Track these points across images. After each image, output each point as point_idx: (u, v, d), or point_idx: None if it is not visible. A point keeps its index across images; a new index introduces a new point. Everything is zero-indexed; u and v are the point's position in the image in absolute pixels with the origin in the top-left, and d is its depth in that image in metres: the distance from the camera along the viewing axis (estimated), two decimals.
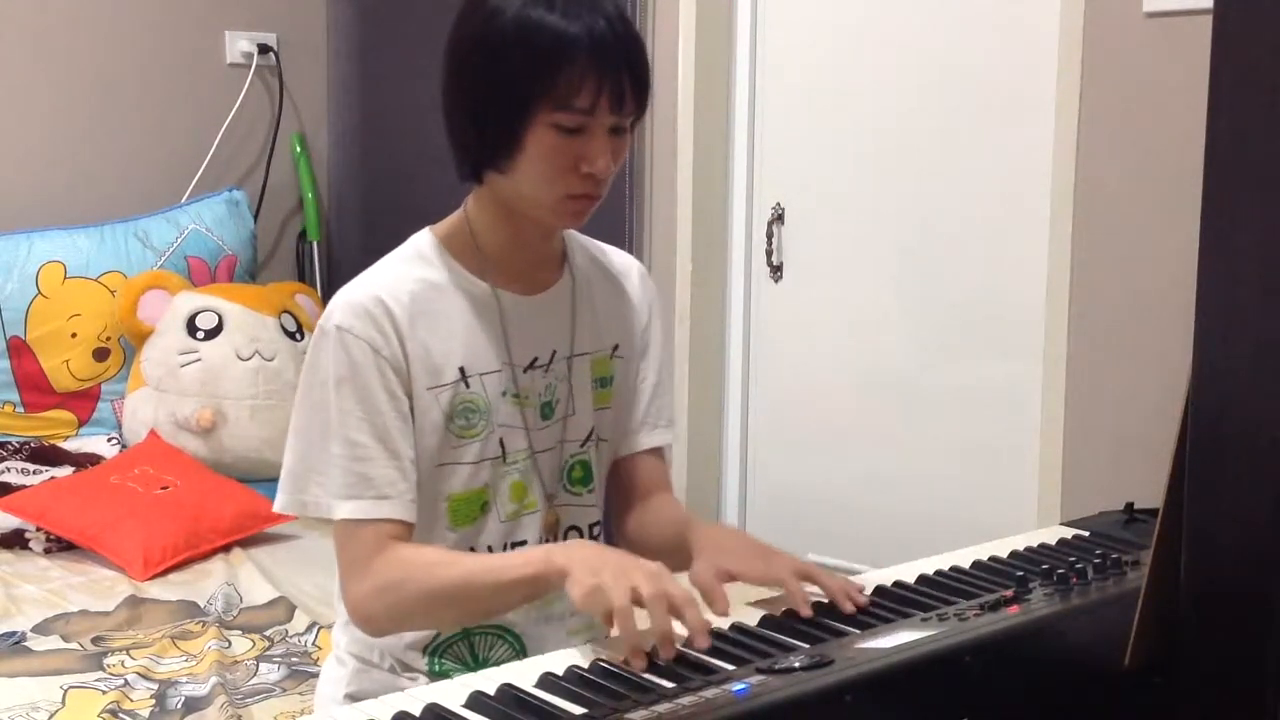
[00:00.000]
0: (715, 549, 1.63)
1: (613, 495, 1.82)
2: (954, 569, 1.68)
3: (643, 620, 1.38)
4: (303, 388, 1.62)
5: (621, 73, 1.54)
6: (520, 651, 1.67)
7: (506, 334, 1.66)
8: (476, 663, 1.67)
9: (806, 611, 1.50)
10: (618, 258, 1.82)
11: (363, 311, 1.58)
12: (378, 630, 1.63)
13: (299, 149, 4.18)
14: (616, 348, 1.77)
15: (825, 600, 1.55)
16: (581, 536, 1.74)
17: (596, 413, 1.75)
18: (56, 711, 2.32)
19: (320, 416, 1.58)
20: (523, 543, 1.69)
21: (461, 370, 1.62)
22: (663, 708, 1.22)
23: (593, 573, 1.41)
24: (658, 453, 1.83)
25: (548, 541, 1.70)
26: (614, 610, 1.37)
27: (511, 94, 1.53)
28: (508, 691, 1.30)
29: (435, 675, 1.65)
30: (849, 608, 1.52)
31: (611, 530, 1.83)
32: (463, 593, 1.54)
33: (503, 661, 1.63)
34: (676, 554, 1.67)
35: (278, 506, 1.63)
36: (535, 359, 1.68)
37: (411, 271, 1.64)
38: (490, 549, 1.67)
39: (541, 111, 1.53)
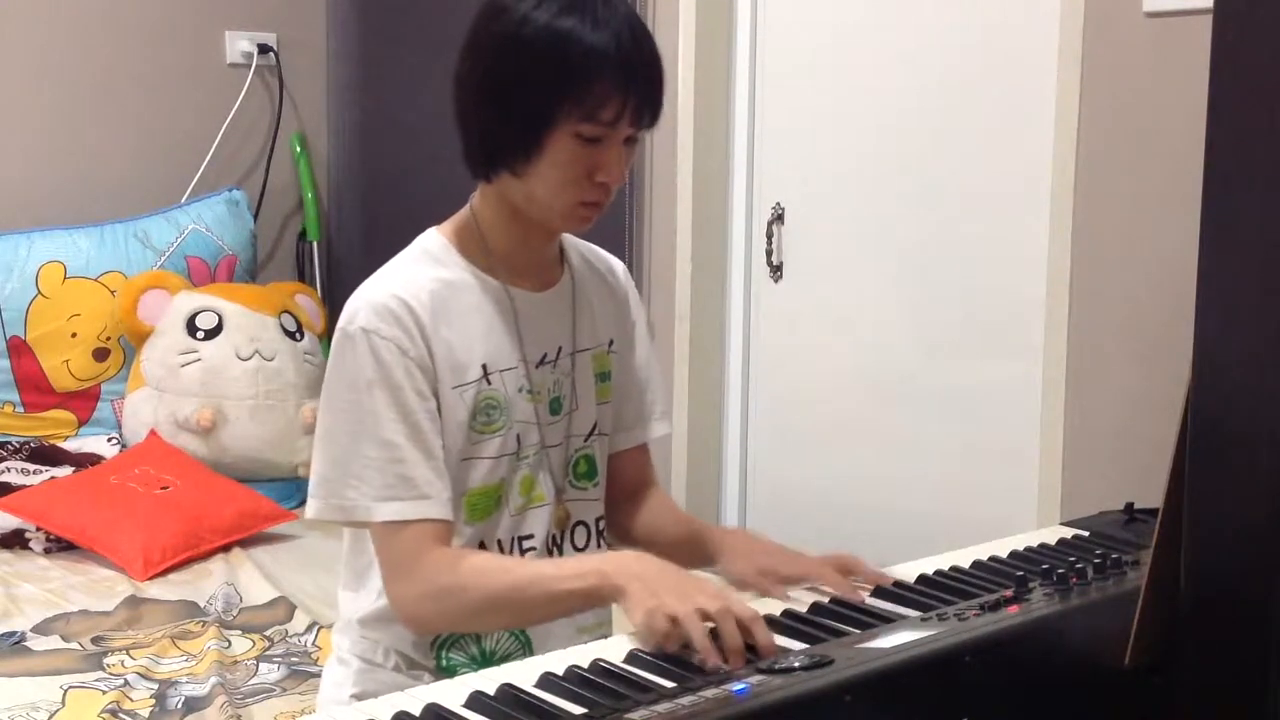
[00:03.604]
0: (746, 550, 1.69)
1: (607, 490, 1.82)
2: (954, 569, 1.68)
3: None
4: (328, 392, 1.62)
5: (646, 89, 1.56)
6: (527, 646, 1.68)
7: (520, 331, 1.67)
8: (484, 657, 1.68)
9: (860, 596, 1.57)
10: (603, 255, 1.85)
11: (387, 313, 1.58)
12: (427, 631, 1.65)
13: (299, 149, 4.17)
14: (611, 343, 1.80)
15: (825, 600, 1.56)
16: (588, 531, 1.76)
17: (599, 407, 1.77)
18: (56, 711, 2.32)
19: (351, 419, 1.58)
20: (529, 536, 1.70)
21: (484, 367, 1.64)
22: (662, 707, 1.22)
23: (652, 594, 1.42)
24: (645, 447, 1.86)
25: (556, 537, 1.72)
26: (691, 638, 1.36)
27: (537, 101, 1.54)
28: (508, 691, 1.30)
29: (442, 670, 1.66)
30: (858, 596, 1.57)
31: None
32: (516, 602, 1.55)
33: (510, 656, 1.65)
34: (686, 552, 1.70)
35: (311, 513, 1.62)
36: (545, 355, 1.70)
37: (426, 271, 1.64)
38: (500, 542, 1.68)
39: (566, 120, 1.54)
